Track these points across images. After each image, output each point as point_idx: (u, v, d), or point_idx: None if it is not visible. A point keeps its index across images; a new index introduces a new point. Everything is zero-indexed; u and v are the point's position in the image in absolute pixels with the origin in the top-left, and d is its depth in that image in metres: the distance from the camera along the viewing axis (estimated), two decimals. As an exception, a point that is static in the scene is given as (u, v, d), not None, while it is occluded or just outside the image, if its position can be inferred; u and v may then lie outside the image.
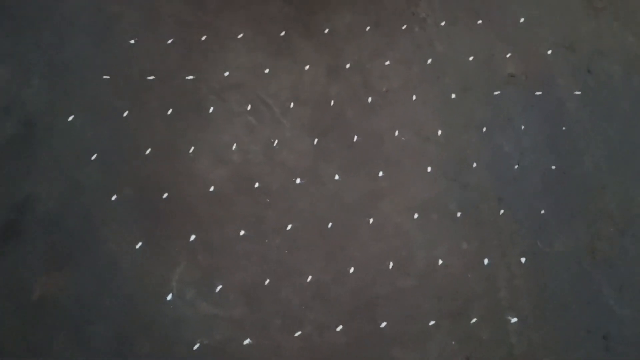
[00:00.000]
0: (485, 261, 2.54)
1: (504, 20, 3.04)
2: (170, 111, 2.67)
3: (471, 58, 2.93)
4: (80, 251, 2.38)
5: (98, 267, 2.37)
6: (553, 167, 2.74)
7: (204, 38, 2.84)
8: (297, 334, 2.36)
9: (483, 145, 2.76)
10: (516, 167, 2.73)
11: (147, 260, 2.40)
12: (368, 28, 2.96)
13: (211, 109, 2.70)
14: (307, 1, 2.99)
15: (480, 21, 3.02)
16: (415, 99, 2.82)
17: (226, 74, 2.78)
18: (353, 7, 3.00)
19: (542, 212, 2.66)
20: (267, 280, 2.43)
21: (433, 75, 2.88)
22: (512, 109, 2.85)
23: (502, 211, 2.64)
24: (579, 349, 2.45)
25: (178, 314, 2.34)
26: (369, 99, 2.80)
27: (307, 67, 2.84)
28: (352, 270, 2.48)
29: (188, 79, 2.74)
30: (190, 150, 2.61)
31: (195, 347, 2.29)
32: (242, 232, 2.49)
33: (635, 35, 3.04)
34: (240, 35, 2.87)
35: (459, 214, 2.62)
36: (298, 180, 2.62)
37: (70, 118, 2.59)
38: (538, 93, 2.88)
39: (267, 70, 2.81)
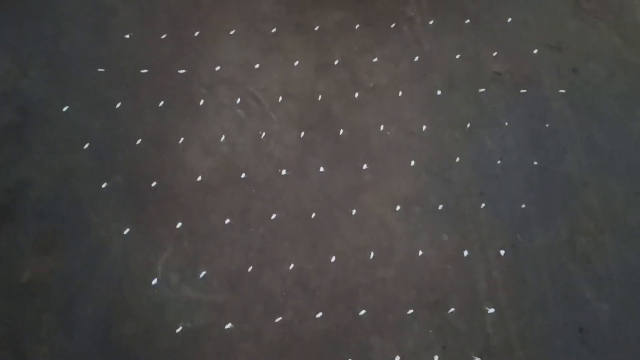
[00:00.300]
0: (465, 253, 2.60)
1: (491, 20, 3.09)
2: (161, 103, 2.75)
3: (458, 56, 2.99)
4: (70, 236, 2.46)
5: (86, 252, 2.45)
6: (535, 164, 2.79)
7: (196, 34, 2.92)
8: (278, 319, 2.42)
9: (467, 142, 2.82)
10: (499, 162, 2.78)
11: (134, 246, 2.48)
12: (357, 26, 3.03)
13: (202, 102, 2.78)
14: (298, 0, 3.06)
15: (468, 21, 3.08)
16: (402, 95, 2.88)
17: (217, 68, 2.86)
18: (343, 5, 3.07)
19: (523, 206, 2.70)
20: (250, 268, 2.49)
21: (420, 73, 2.95)
22: (497, 106, 2.90)
23: (483, 205, 2.69)
24: (555, 341, 2.49)
25: (162, 298, 2.41)
26: (356, 95, 2.87)
27: (296, 63, 2.91)
28: (333, 259, 2.54)
29: (180, 73, 2.83)
30: (180, 141, 2.69)
31: (178, 330, 2.36)
32: (227, 221, 2.56)
33: (621, 36, 3.08)
34: (232, 32, 2.95)
35: (440, 207, 2.68)
36: (284, 172, 2.68)
37: (65, 108, 2.68)
38: (523, 91, 2.93)
39: (257, 66, 2.89)
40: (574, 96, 2.94)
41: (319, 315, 2.44)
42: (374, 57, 2.96)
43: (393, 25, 3.05)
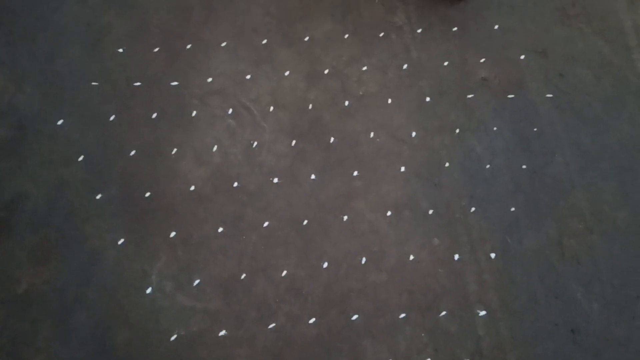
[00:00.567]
0: (456, 257, 2.63)
1: (478, 28, 3.14)
2: (154, 115, 2.80)
3: (446, 63, 3.04)
4: (66, 246, 2.51)
5: (82, 262, 2.49)
6: (524, 167, 2.83)
7: (188, 47, 2.98)
8: (271, 325, 2.46)
9: (456, 147, 2.86)
10: (488, 166, 2.82)
11: (128, 255, 2.52)
12: (346, 36, 3.08)
13: (194, 113, 2.83)
14: (288, 12, 3.12)
15: (455, 28, 3.13)
16: (391, 103, 2.93)
17: (209, 80, 2.91)
18: (332, 16, 3.13)
19: (513, 209, 2.74)
20: (243, 275, 2.53)
21: (408, 80, 2.99)
22: (485, 111, 2.94)
23: (473, 209, 2.73)
24: (546, 342, 2.52)
25: (157, 306, 2.45)
26: (346, 103, 2.91)
27: (287, 73, 2.97)
28: (325, 265, 2.58)
29: (172, 85, 2.88)
30: (173, 152, 2.74)
31: (173, 337, 2.40)
32: (220, 229, 2.60)
33: (606, 41, 3.13)
34: (223, 44, 3.00)
35: (430, 212, 2.71)
36: (276, 180, 2.73)
37: (60, 122, 2.73)
38: (510, 96, 2.97)
39: (248, 77, 2.94)
40: (561, 100, 2.98)
41: (312, 320, 2.47)
42: (363, 66, 3.01)
43: (382, 35, 3.10)
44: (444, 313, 2.53)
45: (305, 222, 2.65)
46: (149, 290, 2.47)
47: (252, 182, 2.72)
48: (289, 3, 3.16)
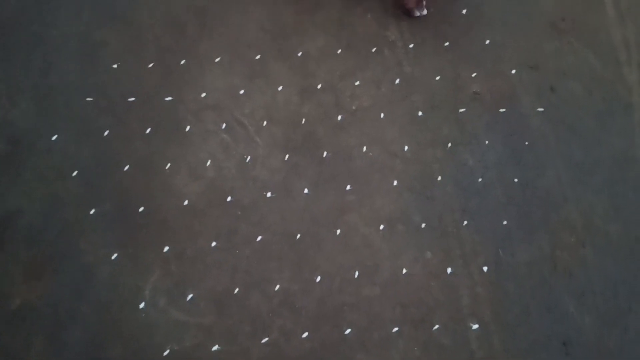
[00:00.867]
0: (449, 270, 2.64)
1: (469, 43, 3.17)
2: (149, 130, 2.82)
3: (438, 78, 3.06)
4: (59, 261, 2.52)
5: (75, 277, 2.50)
6: (516, 180, 2.85)
7: (183, 62, 3.00)
8: (265, 340, 2.46)
9: (448, 160, 2.88)
10: (480, 180, 2.84)
11: (122, 270, 2.53)
12: (339, 51, 3.11)
13: (188, 128, 2.85)
14: (282, 27, 3.15)
15: (447, 43, 3.16)
16: (384, 117, 2.95)
17: (203, 95, 2.93)
18: (326, 31, 3.15)
19: (505, 223, 2.75)
20: (237, 289, 2.54)
21: (401, 94, 3.02)
22: (477, 125, 2.96)
23: (465, 222, 2.74)
24: (539, 354, 2.53)
25: (150, 320, 2.45)
26: (339, 117, 2.93)
27: (280, 88, 2.99)
28: (318, 279, 2.58)
29: (167, 100, 2.90)
30: (167, 167, 2.75)
31: (166, 352, 2.40)
32: (213, 244, 2.61)
33: (597, 55, 3.16)
34: (217, 59, 3.03)
35: (423, 225, 2.73)
36: (269, 194, 2.74)
37: (54, 137, 2.74)
38: (502, 110, 3.00)
39: (242, 92, 2.96)
40: (552, 114, 3.01)
41: (305, 334, 2.48)
42: (356, 81, 3.04)
43: (374, 50, 3.13)
44: (437, 327, 2.54)
45: (299, 236, 2.67)
46: (142, 305, 2.47)
47: (245, 196, 2.73)
48: (283, 18, 3.19)
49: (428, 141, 2.92)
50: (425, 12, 3.17)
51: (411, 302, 2.58)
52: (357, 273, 2.61)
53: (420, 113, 2.98)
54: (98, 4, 3.10)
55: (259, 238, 2.64)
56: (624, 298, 2.65)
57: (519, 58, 3.15)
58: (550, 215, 2.80)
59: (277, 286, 2.56)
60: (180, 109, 2.90)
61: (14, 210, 2.59)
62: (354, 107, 2.97)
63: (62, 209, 2.62)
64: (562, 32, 3.23)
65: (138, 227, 2.62)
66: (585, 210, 2.82)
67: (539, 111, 3.01)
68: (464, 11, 3.25)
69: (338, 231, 2.69)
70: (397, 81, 3.05)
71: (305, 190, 2.76)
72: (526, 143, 2.93)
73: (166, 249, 2.58)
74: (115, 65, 2.96)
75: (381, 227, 2.71)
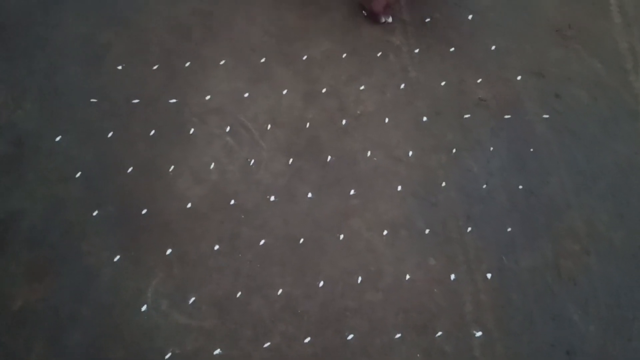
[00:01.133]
0: (452, 277, 2.63)
1: (475, 49, 3.17)
2: (152, 132, 2.81)
3: (443, 83, 3.06)
4: (61, 263, 2.50)
5: (77, 279, 2.48)
6: (520, 187, 2.84)
7: (187, 64, 3.00)
8: (266, 345, 2.44)
9: (452, 166, 2.87)
10: (484, 186, 2.83)
11: (124, 273, 2.52)
12: (344, 55, 3.11)
13: (192, 131, 2.84)
14: (287, 31, 3.15)
15: (452, 49, 3.16)
16: (388, 122, 2.95)
17: (207, 98, 2.93)
18: (330, 36, 3.15)
19: (509, 229, 2.74)
20: (239, 293, 2.52)
21: (406, 100, 3.01)
22: (482, 131, 2.96)
23: (469, 229, 2.73)
24: (542, 363, 2.51)
25: (152, 323, 2.44)
26: (343, 122, 2.93)
27: (284, 92, 2.98)
28: (321, 284, 2.57)
29: (171, 102, 2.90)
30: (170, 169, 2.74)
31: (167, 356, 2.38)
32: (216, 247, 2.60)
33: (602, 62, 3.16)
34: (222, 62, 3.03)
35: (427, 231, 2.71)
36: (272, 198, 2.73)
37: (58, 138, 2.74)
38: (507, 117, 2.99)
39: (246, 95, 2.96)
40: (557, 120, 3.00)
41: (307, 339, 2.46)
42: (361, 85, 3.04)
43: (379, 54, 3.13)
44: (439, 333, 2.52)
45: (302, 240, 2.65)
46: (144, 308, 2.46)
47: (249, 200, 2.72)
48: (288, 22, 3.19)
49: (432, 147, 2.91)
50: (390, 19, 3.17)
51: (414, 308, 2.56)
52: (360, 278, 2.59)
53: (424, 118, 2.98)
54: (103, 6, 3.11)
55: (262, 242, 2.63)
56: (628, 306, 2.64)
57: (524, 64, 3.15)
58: (554, 222, 2.79)
59: (280, 290, 2.54)
60: (185, 111, 2.90)
61: (16, 211, 2.58)
62: (358, 112, 2.97)
63: (64, 210, 2.61)
64: (567, 39, 3.22)
65: (141, 229, 2.61)
66: (589, 217, 2.81)
67: (544, 118, 3.00)
68: (470, 17, 3.25)
69: (341, 236, 2.68)
70: (402, 86, 3.05)
71: (309, 195, 2.75)
72: (531, 150, 2.93)
73: (169, 251, 2.57)
74: (119, 68, 2.96)
75: (385, 232, 2.70)
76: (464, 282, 2.63)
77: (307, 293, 2.56)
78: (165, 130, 2.83)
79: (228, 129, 2.87)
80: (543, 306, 2.61)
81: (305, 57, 3.08)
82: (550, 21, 3.29)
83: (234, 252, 2.60)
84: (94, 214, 2.61)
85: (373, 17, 3.17)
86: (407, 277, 2.61)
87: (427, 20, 3.27)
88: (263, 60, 3.06)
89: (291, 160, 2.82)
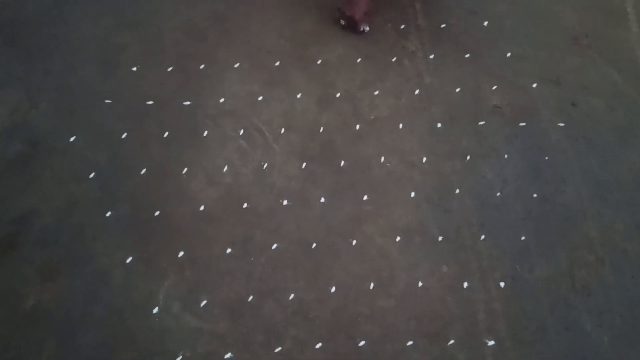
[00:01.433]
0: (465, 284, 2.60)
1: (490, 55, 3.16)
2: (166, 134, 2.82)
3: (458, 89, 3.04)
4: (74, 264, 2.51)
5: (89, 280, 2.49)
6: (535, 195, 2.81)
7: (202, 67, 3.00)
8: (278, 349, 2.43)
9: (466, 173, 2.85)
10: (498, 194, 2.81)
11: (136, 274, 2.52)
12: (359, 60, 3.10)
13: (206, 133, 2.84)
14: (302, 35, 3.15)
15: (468, 55, 3.14)
16: (402, 127, 2.93)
17: (222, 100, 2.93)
18: (345, 40, 3.15)
19: (523, 238, 2.72)
20: (251, 297, 2.51)
21: (420, 105, 3.00)
22: (496, 138, 2.94)
23: (483, 236, 2.71)
24: (556, 373, 2.48)
25: (163, 326, 2.43)
26: (357, 127, 2.92)
27: (299, 96, 2.98)
28: (333, 289, 2.56)
29: (185, 105, 2.90)
30: (184, 172, 2.74)
31: (178, 359, 2.37)
32: (228, 250, 2.59)
33: (619, 71, 3.13)
34: (236, 65, 3.03)
35: (440, 238, 2.70)
36: (285, 202, 2.72)
37: (72, 139, 2.75)
38: (522, 124, 2.97)
39: (260, 98, 2.96)
40: (573, 129, 2.98)
41: (319, 345, 2.45)
42: (375, 90, 3.03)
43: (394, 60, 3.12)
44: (452, 341, 2.49)
45: (314, 245, 2.64)
46: (155, 310, 2.45)
47: (262, 203, 2.72)
48: (303, 27, 3.19)
49: (447, 153, 2.90)
50: (367, 28, 3.16)
51: (426, 316, 2.54)
52: (372, 284, 2.58)
53: (439, 124, 2.96)
54: (119, 8, 3.12)
55: (274, 246, 2.62)
56: (643, 318, 2.61)
57: (540, 72, 3.13)
58: (569, 231, 2.76)
59: (292, 295, 2.53)
60: (199, 113, 2.90)
61: (30, 211, 2.59)
62: (372, 117, 2.96)
63: (77, 211, 2.61)
64: (584, 48, 3.20)
65: (153, 231, 2.61)
66: (605, 227, 2.78)
67: (559, 126, 2.98)
68: (485, 23, 3.24)
69: (354, 241, 2.66)
70: (417, 92, 3.04)
71: (322, 199, 2.74)
72: (546, 158, 2.90)
73: (181, 254, 2.56)
74: (134, 69, 2.96)
75: (398, 238, 2.68)
76: (477, 290, 2.60)
77: (319, 298, 2.54)
78: (179, 133, 2.83)
79: (242, 131, 2.87)
80: (556, 316, 2.58)
81: (319, 61, 3.08)
82: (567, 29, 3.27)
83: (246, 256, 2.60)
84: (107, 215, 2.61)
85: (352, 26, 3.15)
86: (420, 284, 2.59)
87: (443, 26, 3.25)
88: (277, 63, 3.06)
89: (304, 164, 2.82)
